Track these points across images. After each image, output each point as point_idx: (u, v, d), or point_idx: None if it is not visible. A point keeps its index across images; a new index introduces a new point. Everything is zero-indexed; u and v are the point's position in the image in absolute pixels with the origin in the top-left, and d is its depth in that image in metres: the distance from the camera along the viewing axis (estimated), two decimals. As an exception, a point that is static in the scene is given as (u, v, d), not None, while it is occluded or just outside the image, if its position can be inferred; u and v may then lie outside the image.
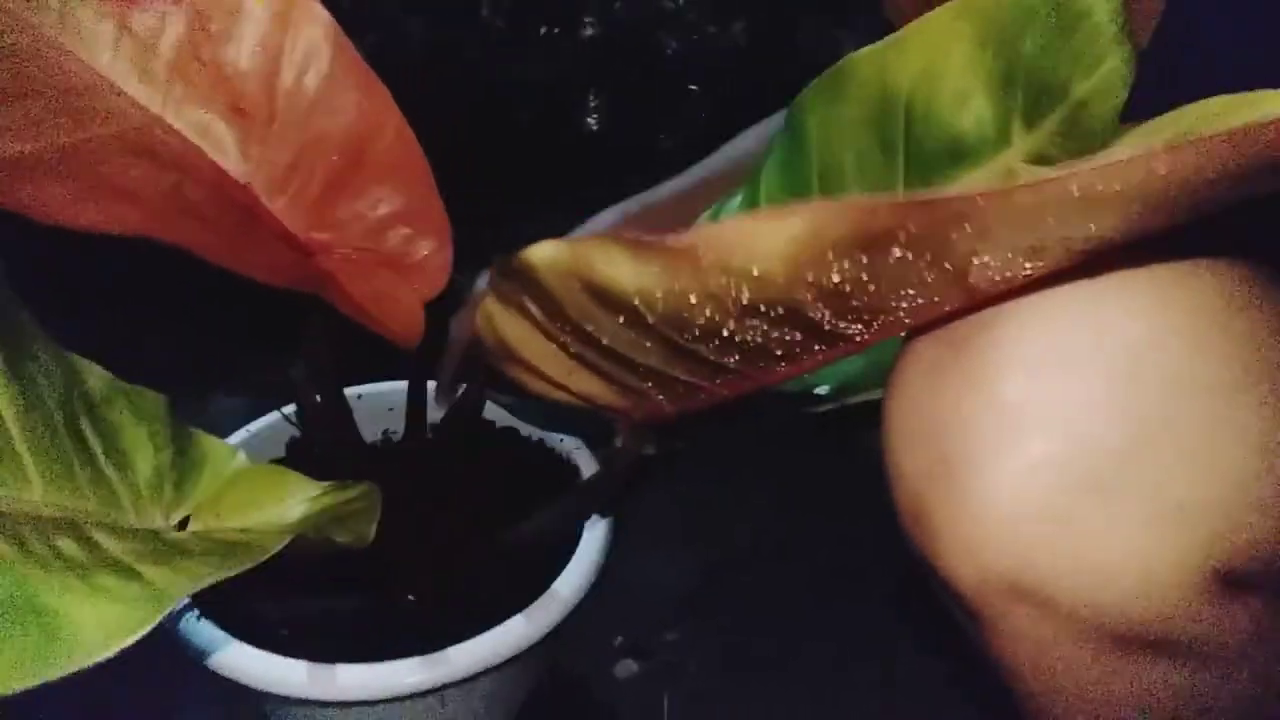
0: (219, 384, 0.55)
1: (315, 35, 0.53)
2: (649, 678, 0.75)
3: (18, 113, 0.46)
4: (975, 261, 0.27)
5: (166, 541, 0.38)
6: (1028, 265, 0.29)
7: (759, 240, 0.26)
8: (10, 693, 0.26)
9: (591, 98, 1.08)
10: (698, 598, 0.82)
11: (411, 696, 0.58)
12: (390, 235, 0.55)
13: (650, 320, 0.33)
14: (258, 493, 0.45)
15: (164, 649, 0.56)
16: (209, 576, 0.33)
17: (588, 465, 0.70)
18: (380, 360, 0.76)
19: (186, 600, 0.57)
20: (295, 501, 0.45)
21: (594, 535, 0.64)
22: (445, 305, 0.62)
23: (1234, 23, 0.47)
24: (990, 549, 0.32)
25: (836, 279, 0.27)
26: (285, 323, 0.63)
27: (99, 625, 0.29)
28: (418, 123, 0.56)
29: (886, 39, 0.49)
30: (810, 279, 0.28)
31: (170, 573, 0.34)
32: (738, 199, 0.60)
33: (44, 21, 0.49)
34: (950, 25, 0.47)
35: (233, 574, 0.34)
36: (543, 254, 0.33)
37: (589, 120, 1.10)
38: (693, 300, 0.30)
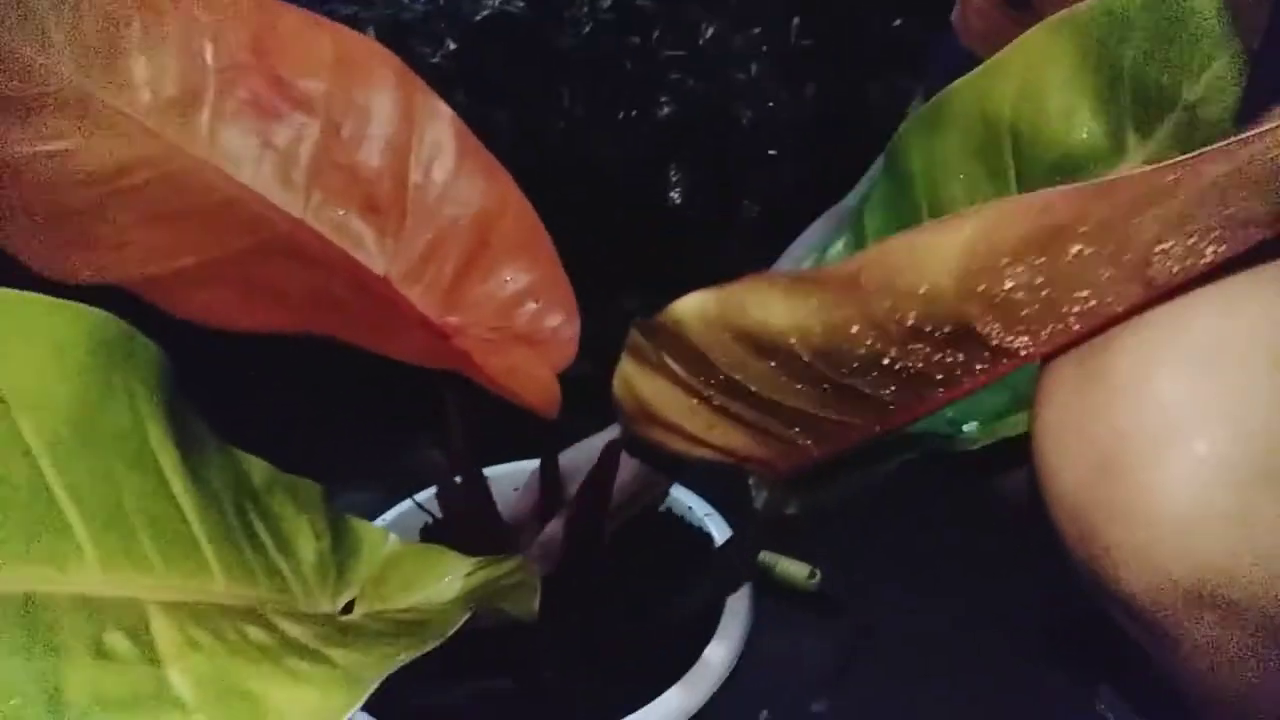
0: (347, 478, 0.56)
1: (439, 130, 0.56)
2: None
3: (181, 230, 0.49)
4: (1158, 249, 0.26)
5: (341, 625, 0.39)
6: (1209, 251, 0.28)
7: (928, 255, 0.25)
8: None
9: (673, 173, 1.11)
10: (844, 666, 0.79)
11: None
12: (520, 311, 0.57)
13: (805, 359, 0.32)
14: (416, 571, 0.46)
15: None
16: (396, 657, 0.33)
17: (721, 532, 0.69)
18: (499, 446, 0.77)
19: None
20: (453, 578, 0.46)
21: (738, 601, 0.63)
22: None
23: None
24: (1165, 555, 0.30)
25: (1010, 285, 0.27)
26: (408, 416, 0.64)
27: (301, 709, 0.30)
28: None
29: (980, 67, 0.49)
30: (982, 289, 0.27)
31: (355, 654, 0.34)
32: (839, 244, 0.59)
33: (196, 146, 0.52)
34: (1047, 44, 0.46)
35: (419, 654, 0.34)
36: (689, 306, 0.33)
37: (672, 195, 1.12)
38: (854, 330, 0.30)
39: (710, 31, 1.10)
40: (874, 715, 0.74)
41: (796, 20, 1.10)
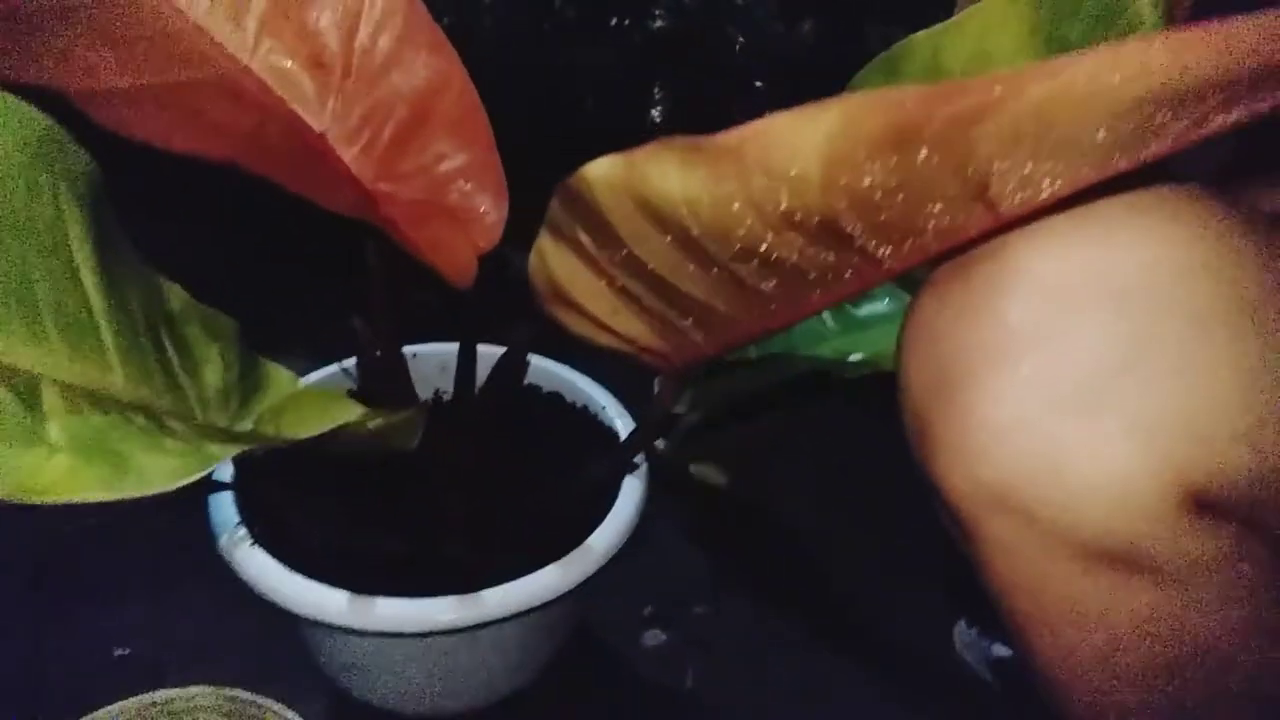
0: (277, 342, 0.58)
1: (392, -2, 0.56)
2: (675, 649, 0.77)
3: (124, 52, 0.50)
4: (995, 168, 0.29)
5: (221, 428, 0.41)
6: (1045, 183, 0.31)
7: (798, 136, 0.28)
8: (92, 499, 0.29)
9: (657, 90, 1.11)
10: (728, 574, 0.84)
11: (446, 633, 0.60)
12: (451, 188, 0.58)
13: (695, 233, 0.35)
14: (315, 410, 0.48)
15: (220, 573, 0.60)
16: (256, 444, 0.36)
17: (627, 430, 0.72)
18: (431, 326, 0.79)
19: (245, 534, 0.60)
20: (346, 419, 0.48)
21: (629, 494, 0.66)
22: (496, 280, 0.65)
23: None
24: (979, 460, 0.34)
25: (868, 182, 0.29)
26: (343, 287, 0.66)
27: (161, 468, 0.32)
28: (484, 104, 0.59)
29: (940, 25, 0.52)
30: (844, 182, 0.30)
31: (224, 446, 0.37)
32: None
33: (148, -27, 0.53)
34: (1003, 12, 0.49)
35: (281, 443, 0.37)
36: (599, 169, 0.36)
37: (653, 113, 1.12)
38: (735, 207, 0.32)
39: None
40: (748, 627, 0.78)
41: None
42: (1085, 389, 0.32)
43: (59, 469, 0.30)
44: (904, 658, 0.76)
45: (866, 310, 0.60)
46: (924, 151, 0.28)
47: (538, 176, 0.63)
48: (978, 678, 0.75)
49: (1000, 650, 0.75)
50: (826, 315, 0.60)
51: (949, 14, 0.72)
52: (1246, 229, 0.33)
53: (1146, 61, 0.23)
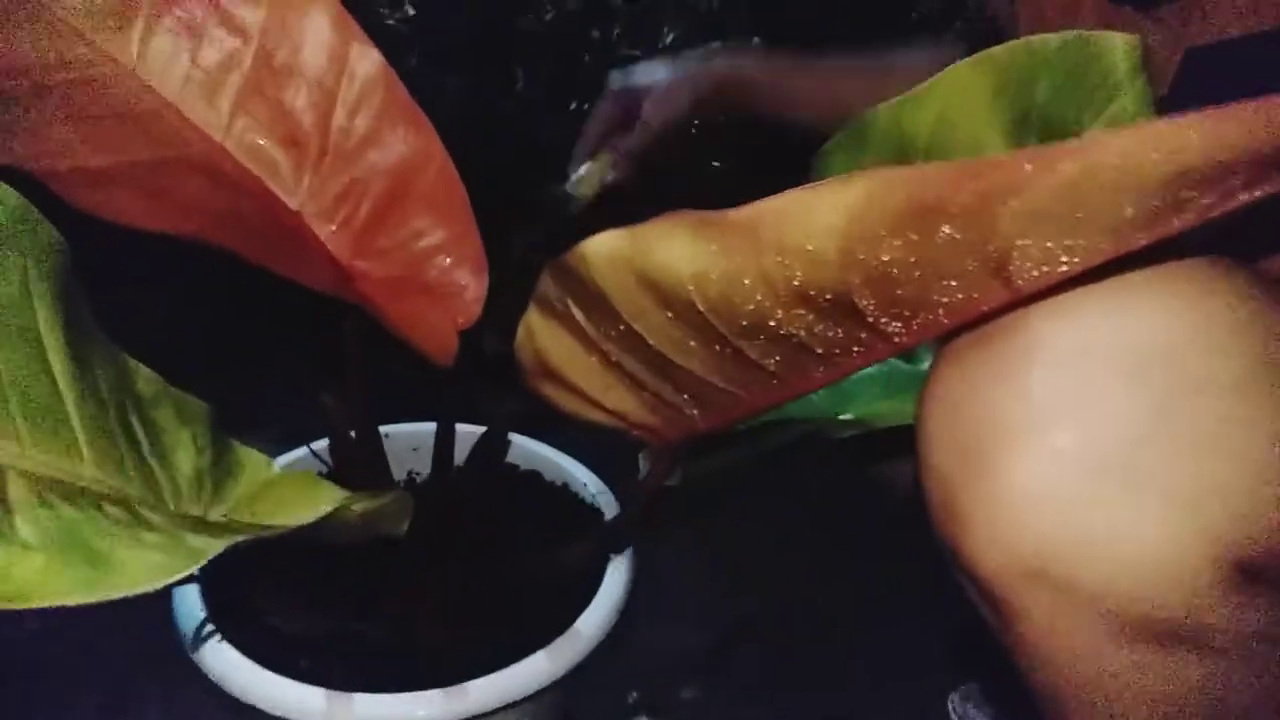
0: (247, 424, 0.55)
1: (369, 74, 0.56)
2: (663, 736, 0.74)
3: (96, 131, 0.49)
4: (1017, 244, 0.28)
5: (200, 520, 0.39)
6: (1064, 259, 0.30)
7: (816, 211, 0.27)
8: (69, 604, 0.27)
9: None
10: (716, 655, 0.81)
11: (428, 729, 0.57)
12: (430, 264, 0.57)
13: (701, 308, 0.34)
14: (294, 496, 0.46)
15: (188, 672, 0.56)
16: (243, 536, 0.34)
17: (611, 509, 0.70)
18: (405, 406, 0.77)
19: (211, 627, 0.57)
20: (329, 506, 0.46)
21: (616, 575, 0.64)
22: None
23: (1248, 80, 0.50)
24: (1014, 534, 0.33)
25: (885, 258, 0.29)
26: (315, 369, 0.64)
27: (142, 567, 0.30)
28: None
29: (904, 95, 0.52)
30: (861, 257, 0.29)
31: (208, 539, 0.34)
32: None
33: (125, 55, 0.52)
34: (967, 77, 0.49)
35: (267, 535, 0.34)
36: (599, 244, 0.35)
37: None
38: (746, 283, 0.32)
39: (672, 37, 1.11)
40: (740, 706, 0.76)
41: (757, 39, 1.13)
42: (1116, 460, 0.32)
43: (33, 569, 0.27)
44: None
45: (853, 375, 0.59)
46: (946, 228, 0.27)
47: (505, 253, 0.62)
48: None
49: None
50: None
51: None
52: (1264, 295, 0.33)
53: (1184, 139, 0.23)
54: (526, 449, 0.75)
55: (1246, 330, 0.32)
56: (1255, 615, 0.32)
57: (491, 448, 0.69)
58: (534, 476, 0.75)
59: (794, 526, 0.97)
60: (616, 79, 0.73)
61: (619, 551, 0.65)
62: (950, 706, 0.75)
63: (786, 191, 0.28)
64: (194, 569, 0.30)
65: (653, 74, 0.72)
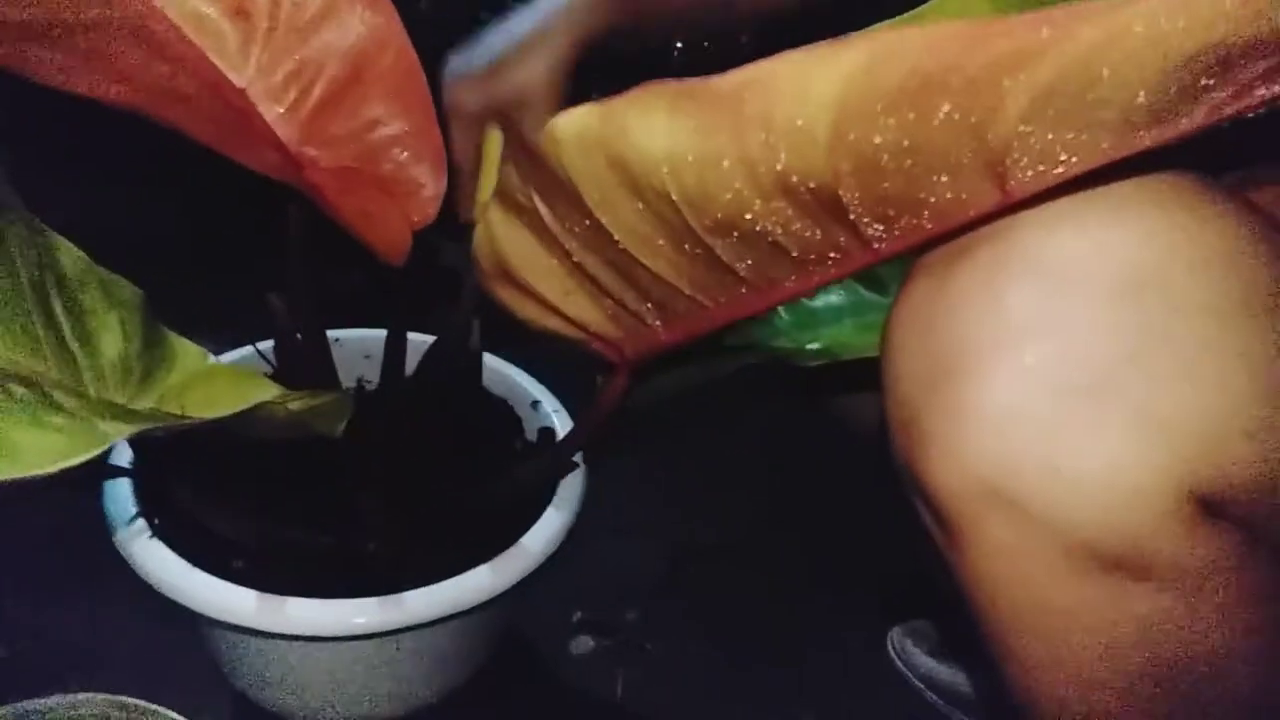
0: (194, 322, 0.52)
1: (327, -56, 0.52)
2: (605, 655, 0.73)
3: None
4: (1019, 132, 0.26)
5: (116, 405, 0.36)
6: (1063, 157, 0.28)
7: (811, 79, 0.25)
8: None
9: (595, 94, 1.08)
10: (660, 578, 0.81)
11: (365, 637, 0.56)
12: (385, 157, 0.54)
13: (674, 197, 0.32)
14: (227, 388, 0.43)
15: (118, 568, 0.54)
16: (158, 424, 0.31)
17: (565, 426, 0.69)
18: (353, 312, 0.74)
19: (144, 525, 0.55)
20: (260, 399, 0.43)
21: (566, 494, 0.62)
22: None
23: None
24: (973, 453, 0.31)
25: (878, 140, 0.27)
26: (265, 266, 0.61)
27: (40, 449, 0.27)
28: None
29: (908, 13, 0.49)
30: (852, 138, 0.27)
31: (119, 424, 0.32)
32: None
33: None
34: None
35: (184, 426, 0.32)
36: (570, 122, 0.32)
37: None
38: (724, 165, 0.29)
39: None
40: (682, 632, 0.75)
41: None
42: (1090, 380, 0.30)
43: (-81, 443, 0.25)
44: (838, 666, 0.74)
45: (821, 302, 0.57)
46: (947, 106, 0.25)
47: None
48: (911, 686, 0.74)
49: (930, 663, 0.74)
50: (780, 308, 0.58)
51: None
52: (1255, 221, 0.32)
53: (1218, 7, 0.21)
54: (484, 364, 0.73)
55: (1235, 256, 0.31)
56: (1210, 552, 0.31)
57: (443, 356, 0.66)
58: (487, 390, 0.72)
59: (748, 455, 0.97)
60: (454, 66, 0.53)
61: (571, 471, 0.63)
62: (890, 642, 0.76)
63: (777, 55, 0.25)
64: (93, 454, 0.28)
65: (492, 50, 0.53)
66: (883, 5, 0.49)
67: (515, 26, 0.53)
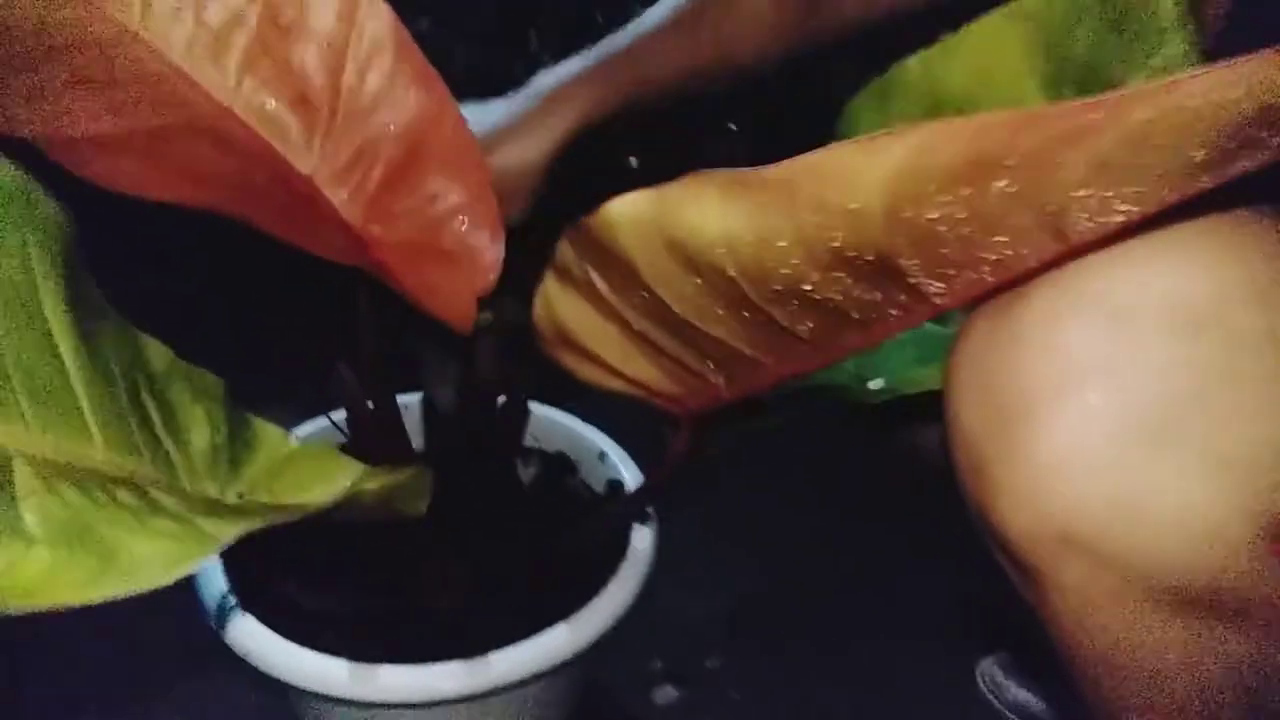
0: (265, 396, 0.54)
1: (379, 32, 0.54)
2: (690, 704, 0.73)
3: (100, 97, 0.47)
4: (1077, 194, 0.26)
5: (216, 502, 0.38)
6: (1121, 209, 0.28)
7: (861, 170, 0.25)
8: (76, 605, 0.25)
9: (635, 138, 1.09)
10: (734, 624, 0.80)
11: (452, 702, 0.57)
12: (446, 228, 0.55)
13: (731, 274, 0.32)
14: (312, 472, 0.45)
15: (209, 643, 0.56)
16: (259, 523, 0.32)
17: (634, 478, 0.69)
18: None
19: (234, 600, 0.56)
20: (346, 482, 0.45)
21: (639, 546, 0.63)
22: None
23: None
24: (1044, 497, 0.31)
25: (934, 215, 0.27)
26: (333, 340, 0.63)
27: (154, 557, 0.29)
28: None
29: (933, 46, 0.50)
30: (908, 215, 0.27)
31: (220, 521, 0.33)
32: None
33: (128, 17, 0.50)
34: (999, 30, 0.47)
35: (286, 520, 0.33)
36: (624, 207, 0.33)
37: (630, 160, 1.11)
38: (781, 245, 0.30)
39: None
40: (765, 678, 0.75)
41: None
42: (1157, 421, 0.30)
43: (39, 564, 0.26)
44: (925, 701, 0.73)
45: (881, 338, 0.57)
46: (1003, 181, 0.25)
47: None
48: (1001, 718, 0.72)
49: (1022, 694, 0.72)
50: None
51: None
52: None
53: (1273, 75, 0.21)
54: (547, 418, 0.74)
55: None
56: None
57: (511, 417, 0.68)
58: (555, 444, 0.73)
59: (815, 494, 0.96)
60: None
61: (642, 522, 0.64)
62: (979, 675, 0.74)
63: (826, 147, 0.26)
64: (204, 558, 0.29)
65: (481, 127, 0.55)
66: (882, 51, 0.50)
67: (513, 105, 0.55)
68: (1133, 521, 0.30)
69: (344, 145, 0.54)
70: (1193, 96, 0.22)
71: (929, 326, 0.61)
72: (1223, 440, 0.30)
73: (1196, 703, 0.33)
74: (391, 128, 0.55)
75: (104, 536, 0.28)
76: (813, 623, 0.81)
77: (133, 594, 0.27)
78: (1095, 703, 0.36)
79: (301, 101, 0.53)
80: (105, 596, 0.26)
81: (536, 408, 0.73)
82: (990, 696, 0.73)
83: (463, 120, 0.55)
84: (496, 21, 1.03)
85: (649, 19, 0.60)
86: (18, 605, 0.25)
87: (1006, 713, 0.72)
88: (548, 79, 0.59)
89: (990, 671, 0.74)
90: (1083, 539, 0.31)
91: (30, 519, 0.28)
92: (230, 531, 0.31)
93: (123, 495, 0.33)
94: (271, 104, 0.53)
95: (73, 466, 0.34)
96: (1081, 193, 0.26)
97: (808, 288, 0.32)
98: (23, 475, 0.30)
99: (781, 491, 0.96)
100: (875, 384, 0.54)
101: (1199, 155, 0.24)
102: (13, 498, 0.28)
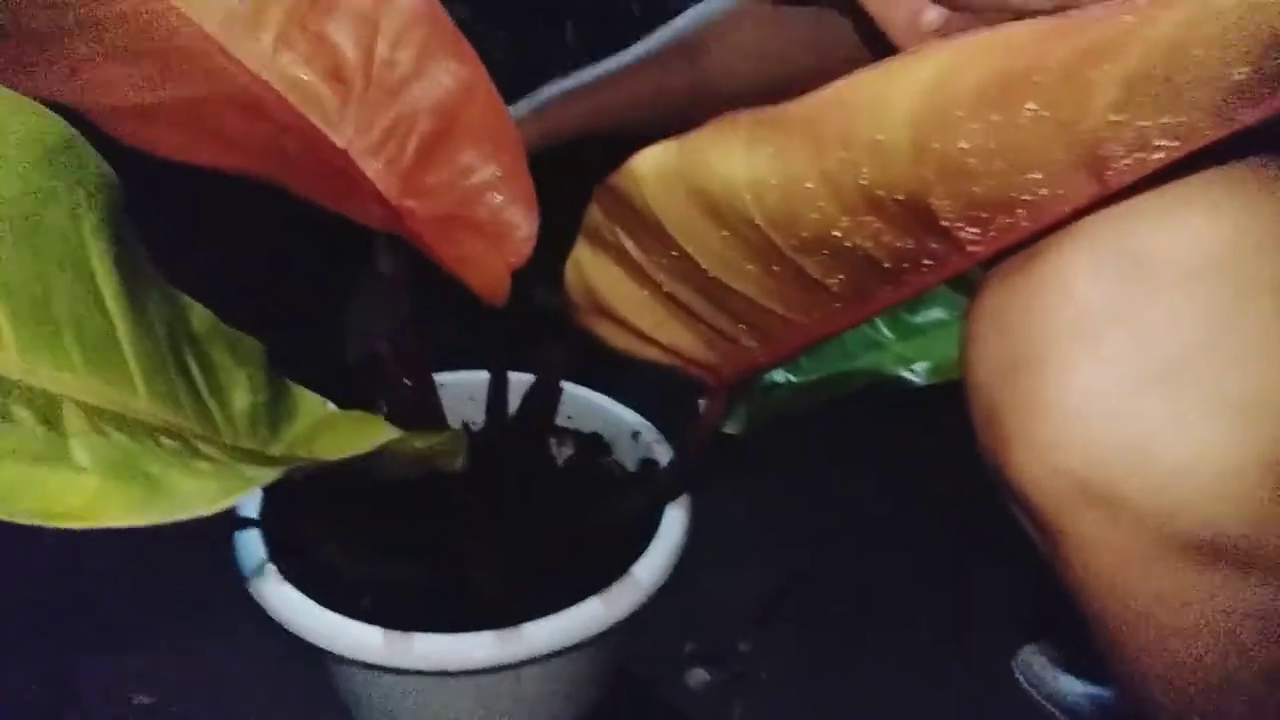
0: (297, 367, 0.55)
1: (411, 4, 0.54)
2: (721, 687, 0.73)
3: (140, 69, 0.48)
4: (1110, 120, 0.26)
5: (254, 452, 0.39)
6: (1160, 143, 0.28)
7: (887, 94, 0.25)
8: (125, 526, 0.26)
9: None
10: (768, 606, 0.80)
11: (487, 671, 0.57)
12: (480, 202, 0.56)
13: (758, 221, 0.32)
14: (349, 434, 0.45)
15: (247, 609, 0.57)
16: (300, 468, 0.33)
17: (666, 456, 0.69)
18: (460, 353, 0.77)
19: (273, 567, 0.57)
20: (386, 439, 0.45)
21: (672, 523, 0.63)
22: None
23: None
24: (1059, 448, 0.31)
25: (964, 145, 0.27)
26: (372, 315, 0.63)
27: (197, 491, 0.29)
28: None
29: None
30: (936, 146, 0.27)
31: (262, 469, 0.34)
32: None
33: (164, -11, 0.51)
34: None
35: (314, 468, 0.34)
36: (648, 160, 0.33)
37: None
38: (808, 187, 0.30)
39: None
40: (797, 662, 0.75)
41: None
42: (1171, 368, 0.30)
43: (87, 490, 0.27)
44: (961, 687, 0.72)
45: (923, 317, 0.57)
46: (1033, 104, 0.25)
47: (552, 200, 0.61)
48: (1039, 707, 0.71)
49: (1061, 684, 0.71)
50: (883, 325, 0.57)
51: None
52: None
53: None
54: (581, 397, 0.74)
55: None
56: None
57: (544, 393, 0.68)
58: (589, 424, 0.74)
59: (854, 478, 0.95)
60: None
61: (675, 499, 0.64)
62: (1016, 665, 0.73)
63: (850, 75, 0.26)
64: (245, 493, 0.30)
65: None
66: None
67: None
68: (1143, 470, 0.30)
69: (378, 118, 0.55)
70: None
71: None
72: (1237, 387, 0.29)
73: (1217, 655, 0.33)
74: (425, 101, 0.55)
75: (149, 471, 0.29)
76: (847, 607, 0.80)
77: (178, 520, 0.28)
78: (1119, 671, 0.35)
79: (336, 74, 0.54)
80: (150, 522, 0.27)
81: (570, 388, 0.73)
82: (1028, 686, 0.72)
83: (496, 95, 0.56)
84: (532, 12, 1.04)
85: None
86: (65, 524, 0.26)
87: (1044, 703, 0.71)
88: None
89: (1029, 661, 0.73)
90: (1096, 486, 0.31)
91: (79, 453, 0.28)
92: (270, 475, 0.31)
93: (165, 440, 0.34)
94: (306, 76, 0.53)
95: (118, 415, 0.35)
96: (1115, 118, 0.26)
97: (837, 234, 0.32)
98: (72, 417, 0.31)
99: (821, 475, 0.95)
100: (920, 365, 0.54)
101: (1240, 74, 0.24)
102: (62, 434, 0.29)
